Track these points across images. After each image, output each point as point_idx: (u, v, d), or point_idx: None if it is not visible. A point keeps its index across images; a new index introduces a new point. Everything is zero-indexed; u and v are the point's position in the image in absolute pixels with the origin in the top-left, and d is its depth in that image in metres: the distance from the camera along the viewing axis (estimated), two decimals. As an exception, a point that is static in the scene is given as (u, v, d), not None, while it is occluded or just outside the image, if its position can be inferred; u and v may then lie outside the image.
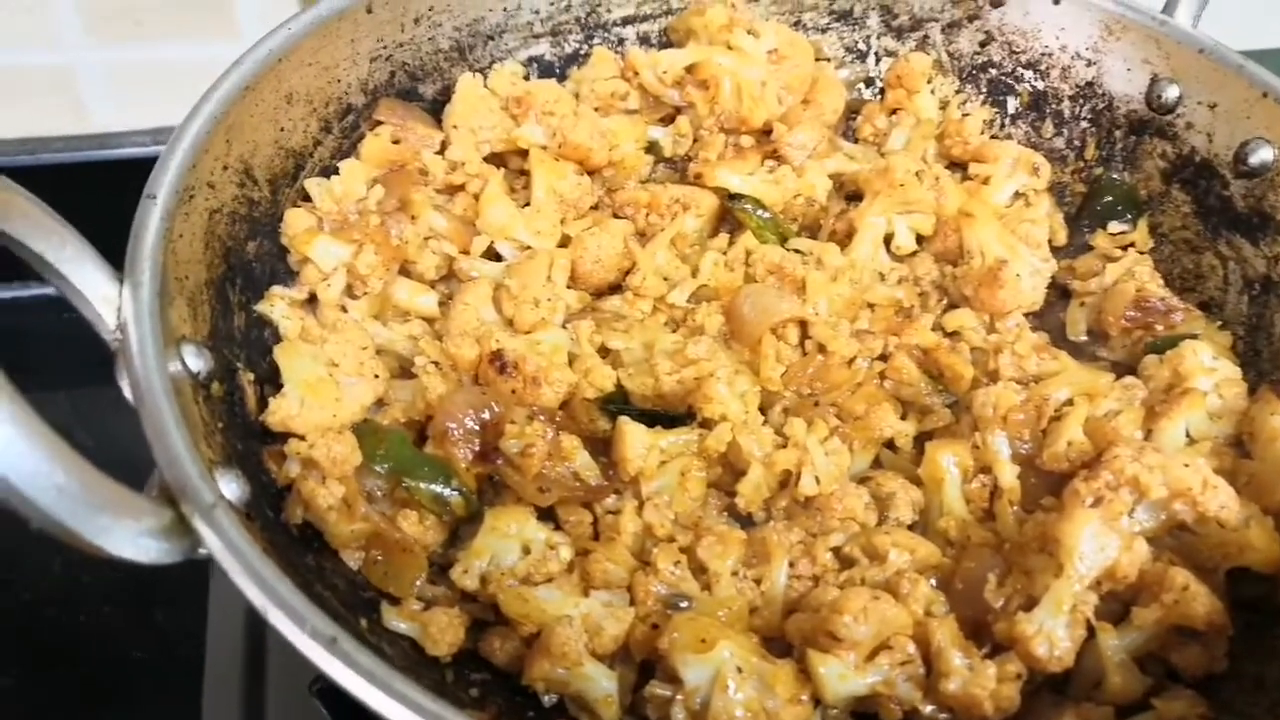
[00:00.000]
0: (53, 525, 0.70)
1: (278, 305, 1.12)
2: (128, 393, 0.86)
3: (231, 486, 0.87)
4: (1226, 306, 1.28)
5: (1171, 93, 1.33)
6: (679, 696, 0.92)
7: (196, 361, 0.94)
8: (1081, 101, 1.43)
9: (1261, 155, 1.24)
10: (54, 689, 1.30)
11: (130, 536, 0.74)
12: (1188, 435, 1.11)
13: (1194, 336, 1.19)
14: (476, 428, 1.05)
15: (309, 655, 0.71)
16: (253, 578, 0.74)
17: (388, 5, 1.26)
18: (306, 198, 1.21)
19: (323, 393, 1.05)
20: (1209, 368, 1.14)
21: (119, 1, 1.66)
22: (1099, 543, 0.93)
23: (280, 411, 1.02)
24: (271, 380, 1.07)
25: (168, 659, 1.32)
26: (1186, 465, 0.99)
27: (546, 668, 0.93)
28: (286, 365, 1.06)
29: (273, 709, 1.13)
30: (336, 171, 1.22)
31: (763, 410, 1.13)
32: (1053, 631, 0.93)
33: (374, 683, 0.70)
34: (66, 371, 1.50)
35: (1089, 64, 1.41)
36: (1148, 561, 0.97)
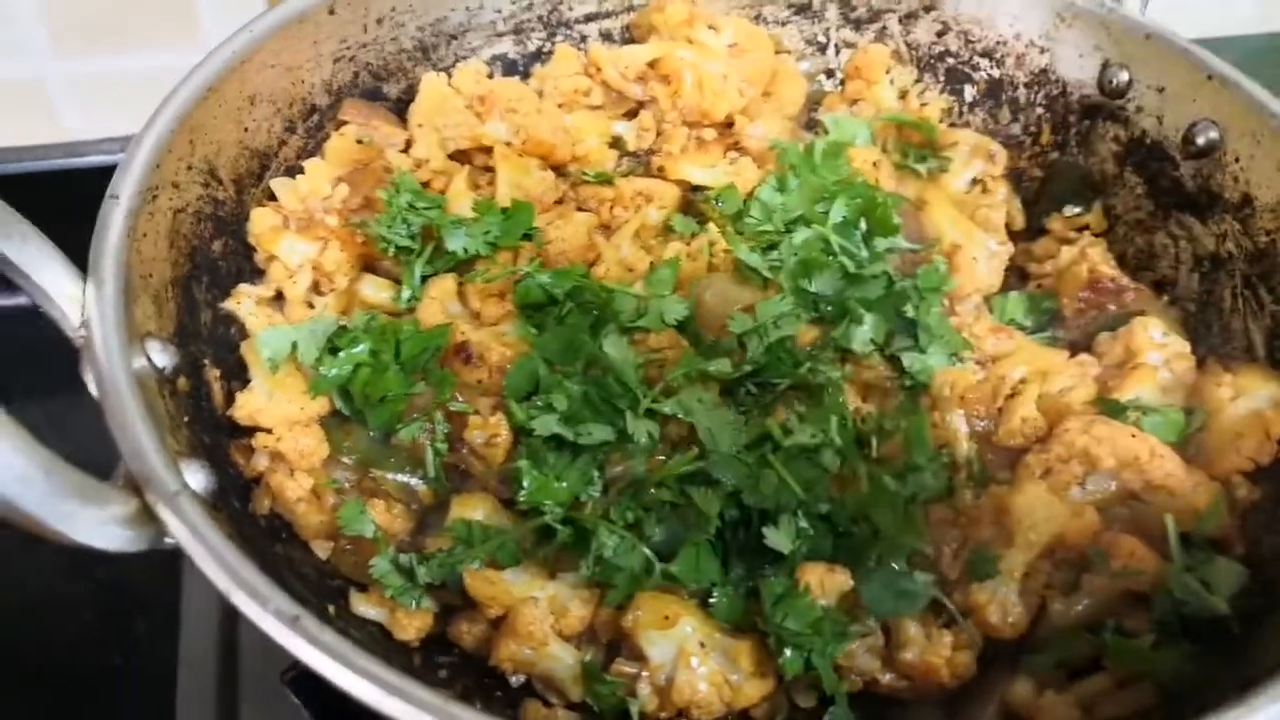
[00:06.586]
0: (16, 514, 0.71)
1: (244, 303, 1.13)
2: (93, 388, 0.87)
3: (197, 477, 0.88)
4: (1178, 284, 1.31)
5: (1122, 77, 1.36)
6: (644, 673, 0.94)
7: (162, 357, 0.96)
8: (1036, 88, 1.46)
9: (1208, 136, 1.27)
10: (33, 701, 1.30)
11: (96, 524, 0.75)
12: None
13: (1143, 313, 1.22)
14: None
15: (272, 634, 0.73)
16: (217, 561, 0.76)
17: (350, 6, 1.28)
18: (272, 197, 1.22)
19: (290, 386, 1.06)
20: (1159, 343, 1.17)
21: (84, 12, 1.67)
22: (1047, 512, 0.96)
23: (247, 405, 1.04)
24: (238, 376, 1.09)
25: (146, 663, 1.32)
26: (1134, 436, 1.02)
27: (513, 648, 0.95)
28: (254, 360, 1.08)
29: (246, 700, 1.14)
30: (302, 171, 1.24)
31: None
32: (1006, 599, 0.95)
33: (337, 659, 0.72)
34: (38, 383, 1.50)
35: (1042, 51, 1.44)
36: (1098, 529, 0.99)
